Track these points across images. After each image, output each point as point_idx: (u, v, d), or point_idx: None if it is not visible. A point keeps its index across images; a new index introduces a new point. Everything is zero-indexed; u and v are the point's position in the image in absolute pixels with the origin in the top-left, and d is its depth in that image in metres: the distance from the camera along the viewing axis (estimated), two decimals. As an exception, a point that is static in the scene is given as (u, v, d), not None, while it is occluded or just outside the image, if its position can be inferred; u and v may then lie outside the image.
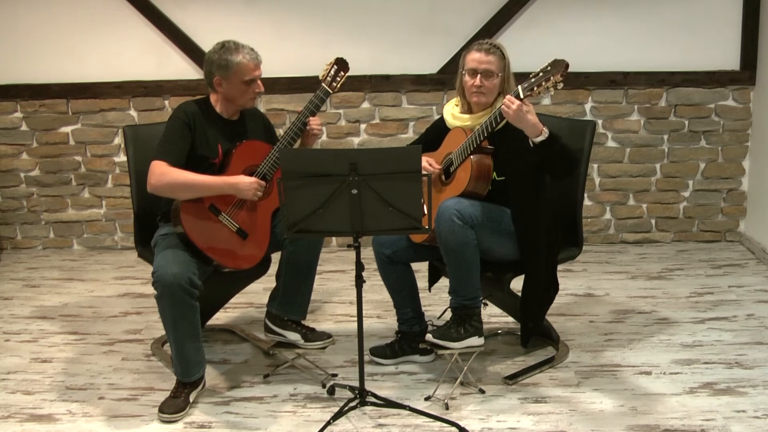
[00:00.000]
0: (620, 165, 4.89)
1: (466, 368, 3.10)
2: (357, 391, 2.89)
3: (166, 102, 4.87)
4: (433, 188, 3.16)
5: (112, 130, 4.93)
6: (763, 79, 4.64)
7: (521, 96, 2.87)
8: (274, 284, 3.27)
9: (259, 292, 3.93)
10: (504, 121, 2.94)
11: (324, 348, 3.22)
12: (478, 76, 3.05)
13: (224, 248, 3.06)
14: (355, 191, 2.65)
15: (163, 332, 3.06)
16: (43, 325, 3.87)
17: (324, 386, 3.14)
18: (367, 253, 3.32)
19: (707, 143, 4.85)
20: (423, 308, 3.38)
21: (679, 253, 4.78)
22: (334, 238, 4.98)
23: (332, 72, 3.20)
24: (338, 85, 3.21)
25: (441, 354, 3.22)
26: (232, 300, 3.70)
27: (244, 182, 3.03)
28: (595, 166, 4.87)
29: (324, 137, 4.89)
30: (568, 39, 4.69)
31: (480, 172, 3.03)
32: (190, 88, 4.74)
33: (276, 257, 3.29)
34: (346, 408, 2.85)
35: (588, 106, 4.83)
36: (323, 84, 3.19)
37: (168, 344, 3.08)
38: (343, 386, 3.02)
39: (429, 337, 3.02)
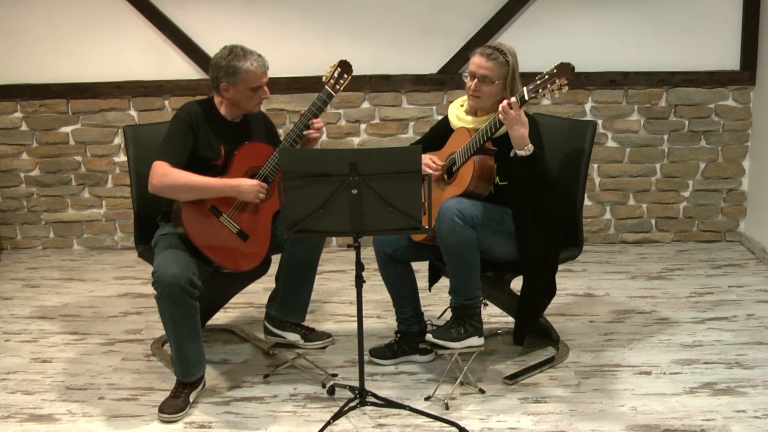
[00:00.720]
0: (620, 165, 4.89)
1: (466, 368, 3.10)
2: (357, 391, 2.89)
3: (166, 102, 4.87)
4: (435, 187, 3.17)
5: (112, 130, 4.93)
6: (763, 79, 4.64)
7: (526, 98, 2.87)
8: (274, 284, 3.27)
9: (259, 293, 3.93)
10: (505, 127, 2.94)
11: (324, 348, 3.22)
12: (476, 80, 3.06)
13: (225, 249, 3.05)
14: (355, 191, 2.65)
15: (163, 332, 3.06)
16: (43, 325, 3.87)
17: (324, 386, 3.14)
18: (367, 253, 3.32)
19: (707, 143, 4.85)
20: (423, 308, 3.38)
21: (679, 253, 4.78)
22: (334, 238, 4.98)
23: (335, 74, 3.18)
24: (341, 88, 3.18)
25: (441, 354, 3.22)
26: (232, 300, 3.70)
27: (245, 185, 3.02)
28: (595, 166, 4.87)
29: (324, 137, 4.88)
30: (568, 39, 4.69)
31: (482, 172, 3.03)
32: (190, 88, 4.75)
33: (276, 258, 3.29)
34: (346, 408, 2.85)
35: (588, 106, 4.82)
36: (326, 86, 3.16)
37: (168, 344, 3.08)
38: (343, 386, 3.02)
39: (429, 337, 3.02)
